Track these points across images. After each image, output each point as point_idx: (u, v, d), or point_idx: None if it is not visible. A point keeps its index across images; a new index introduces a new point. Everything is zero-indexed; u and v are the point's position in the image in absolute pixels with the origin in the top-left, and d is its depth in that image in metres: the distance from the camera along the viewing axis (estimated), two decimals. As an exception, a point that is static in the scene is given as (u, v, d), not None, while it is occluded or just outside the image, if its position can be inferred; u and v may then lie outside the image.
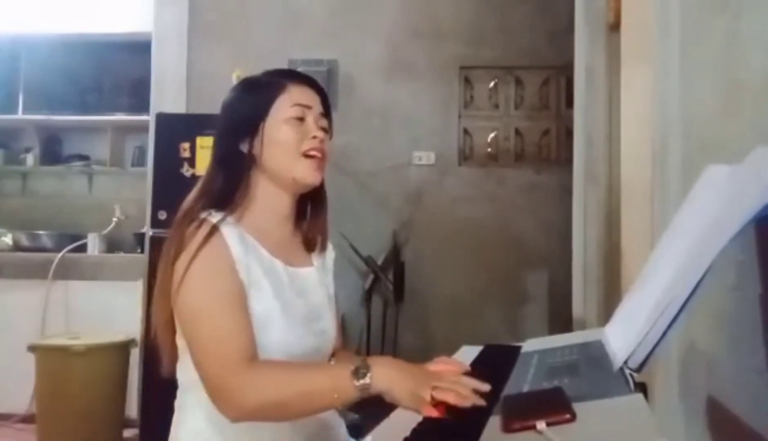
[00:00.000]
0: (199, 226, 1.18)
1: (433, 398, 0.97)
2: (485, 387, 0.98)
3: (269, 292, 1.20)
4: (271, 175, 1.26)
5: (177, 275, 1.15)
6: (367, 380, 1.01)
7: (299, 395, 1.06)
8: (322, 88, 1.34)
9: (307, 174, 1.25)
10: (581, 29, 2.70)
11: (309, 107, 1.27)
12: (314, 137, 1.25)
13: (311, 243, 1.36)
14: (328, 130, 1.30)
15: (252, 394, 1.06)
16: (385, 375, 1.02)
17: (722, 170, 0.90)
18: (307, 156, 1.25)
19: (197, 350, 1.12)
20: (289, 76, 1.31)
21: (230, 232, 1.18)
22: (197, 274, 1.13)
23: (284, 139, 1.24)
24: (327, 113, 1.32)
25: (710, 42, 1.21)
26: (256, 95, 1.27)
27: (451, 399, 0.95)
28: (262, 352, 1.17)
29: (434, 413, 0.95)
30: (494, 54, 3.72)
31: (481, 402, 0.94)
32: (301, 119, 1.26)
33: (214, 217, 1.20)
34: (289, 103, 1.26)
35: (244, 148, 1.25)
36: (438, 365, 1.21)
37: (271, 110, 1.25)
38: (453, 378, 1.01)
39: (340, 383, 1.03)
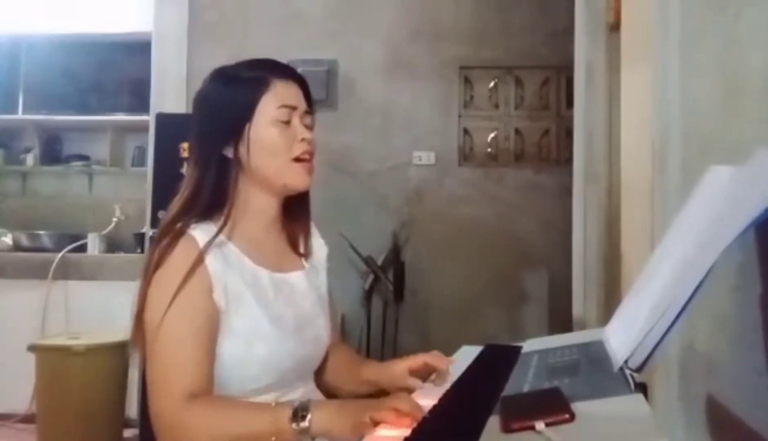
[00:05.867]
0: (176, 238, 1.14)
1: (374, 421, 0.96)
2: (422, 410, 0.95)
3: (252, 303, 1.17)
4: (260, 180, 1.21)
5: (151, 291, 1.13)
6: (306, 424, 1.00)
7: (235, 438, 1.04)
8: (305, 80, 1.27)
9: (298, 180, 1.22)
10: (581, 29, 2.70)
11: (295, 108, 1.21)
12: (303, 140, 1.21)
13: (297, 244, 1.33)
14: (312, 127, 1.25)
15: (187, 434, 1.05)
16: (324, 417, 1.01)
17: (724, 172, 0.90)
18: (297, 160, 1.21)
19: (148, 376, 1.11)
20: (271, 70, 1.23)
21: (211, 249, 1.14)
22: (168, 298, 1.10)
23: (272, 144, 1.19)
24: (310, 107, 1.26)
25: (710, 42, 1.21)
26: (237, 94, 1.20)
27: (390, 418, 0.94)
28: (252, 366, 1.15)
29: (388, 424, 0.94)
30: (494, 54, 3.72)
31: (420, 416, 0.93)
32: (288, 122, 1.20)
33: (195, 229, 1.16)
34: (274, 103, 1.19)
35: (228, 152, 1.20)
36: (432, 358, 1.21)
37: (256, 111, 1.19)
38: (392, 399, 1.00)
39: (279, 427, 1.02)
